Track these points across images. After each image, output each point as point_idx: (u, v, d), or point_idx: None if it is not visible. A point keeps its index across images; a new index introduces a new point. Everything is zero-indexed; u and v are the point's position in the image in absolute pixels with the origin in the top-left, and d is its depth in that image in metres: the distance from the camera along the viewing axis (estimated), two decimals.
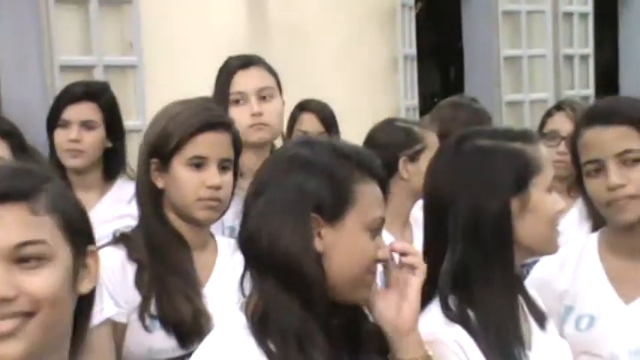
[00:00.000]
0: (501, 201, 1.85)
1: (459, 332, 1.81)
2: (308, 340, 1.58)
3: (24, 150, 2.07)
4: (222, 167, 2.21)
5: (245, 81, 2.87)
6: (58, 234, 1.35)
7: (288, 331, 1.59)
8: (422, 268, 1.72)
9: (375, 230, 1.67)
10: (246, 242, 1.66)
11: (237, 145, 2.29)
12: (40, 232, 1.33)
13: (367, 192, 1.67)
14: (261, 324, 1.60)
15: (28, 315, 1.30)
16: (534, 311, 1.96)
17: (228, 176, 2.24)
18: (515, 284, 1.90)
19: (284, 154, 1.75)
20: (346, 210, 1.64)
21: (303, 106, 4.06)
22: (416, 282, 1.71)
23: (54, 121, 3.18)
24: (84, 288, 1.39)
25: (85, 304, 1.40)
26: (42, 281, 1.31)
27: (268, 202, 1.64)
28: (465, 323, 1.82)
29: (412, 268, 1.72)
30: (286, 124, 3.92)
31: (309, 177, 1.64)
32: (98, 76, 4.38)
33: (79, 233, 1.38)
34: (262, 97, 2.86)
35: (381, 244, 1.69)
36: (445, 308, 1.83)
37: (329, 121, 4.03)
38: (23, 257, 1.31)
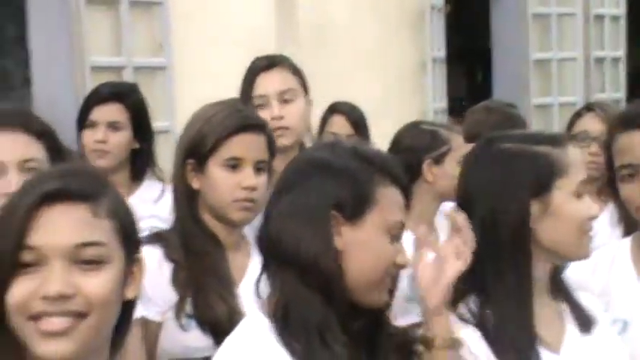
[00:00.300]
0: (520, 203, 1.86)
1: (468, 333, 1.82)
2: (330, 335, 1.60)
3: (59, 151, 2.07)
4: (257, 169, 2.23)
5: (266, 84, 2.86)
6: (114, 238, 1.36)
7: (310, 326, 1.61)
8: (466, 258, 1.73)
9: (394, 235, 1.69)
10: (268, 242, 1.70)
11: (272, 147, 2.30)
12: (100, 235, 1.35)
13: (387, 195, 1.69)
14: (283, 321, 1.63)
15: (81, 316, 1.31)
16: (578, 315, 1.95)
17: (263, 178, 2.25)
18: (530, 286, 1.90)
19: (304, 157, 1.80)
20: (366, 210, 1.66)
21: (334, 108, 4.07)
22: (456, 267, 1.72)
23: (82, 121, 3.20)
24: (130, 294, 1.40)
25: (127, 308, 1.41)
26: (98, 283, 1.33)
27: (289, 204, 1.68)
28: (482, 324, 1.84)
29: (459, 253, 1.73)
30: (317, 126, 3.92)
31: (329, 178, 1.67)
32: (128, 76, 4.40)
33: (131, 240, 1.40)
34: (284, 100, 2.85)
35: (401, 249, 1.70)
36: (462, 308, 1.85)
37: (359, 123, 4.03)
38: (82, 258, 1.33)
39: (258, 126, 2.26)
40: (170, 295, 2.19)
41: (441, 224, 2.99)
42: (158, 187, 3.16)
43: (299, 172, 1.71)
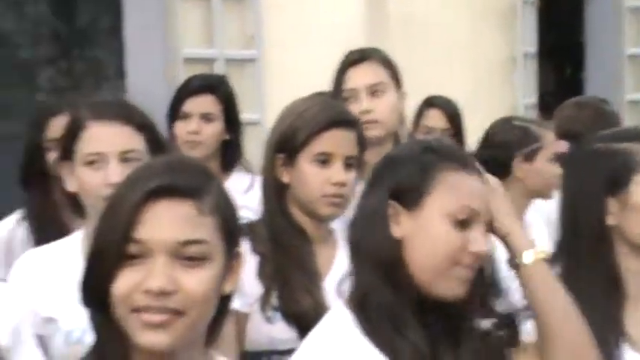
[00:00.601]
0: (596, 201, 1.88)
1: None
2: (404, 325, 1.61)
3: (159, 143, 2.10)
4: (347, 164, 2.24)
5: (356, 77, 2.88)
6: (217, 235, 1.38)
7: (385, 316, 1.62)
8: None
9: (462, 220, 1.66)
10: (347, 235, 1.74)
11: (362, 142, 2.31)
12: (204, 232, 1.36)
13: (450, 180, 1.67)
14: (362, 312, 1.64)
15: (179, 313, 1.33)
16: None
17: (353, 173, 2.26)
18: (619, 282, 1.90)
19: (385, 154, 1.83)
20: (424, 197, 1.66)
21: (430, 102, 4.06)
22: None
23: (174, 113, 3.25)
24: (227, 289, 1.42)
25: (224, 301, 1.43)
26: (198, 281, 1.34)
27: (361, 199, 1.74)
28: None
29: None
30: (412, 119, 3.91)
31: (389, 169, 1.71)
32: (219, 68, 4.46)
33: (232, 236, 1.41)
34: (373, 93, 2.86)
35: (477, 237, 1.66)
36: None
37: (454, 117, 4.01)
38: (185, 255, 1.35)
39: (349, 121, 2.27)
40: (256, 288, 2.21)
41: (531, 221, 2.97)
42: (247, 179, 3.20)
43: (373, 169, 1.76)
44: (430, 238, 1.65)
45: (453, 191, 1.66)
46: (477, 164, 1.75)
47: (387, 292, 1.64)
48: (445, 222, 1.65)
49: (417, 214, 1.66)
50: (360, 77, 2.87)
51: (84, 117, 2.07)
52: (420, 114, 4.03)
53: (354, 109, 2.81)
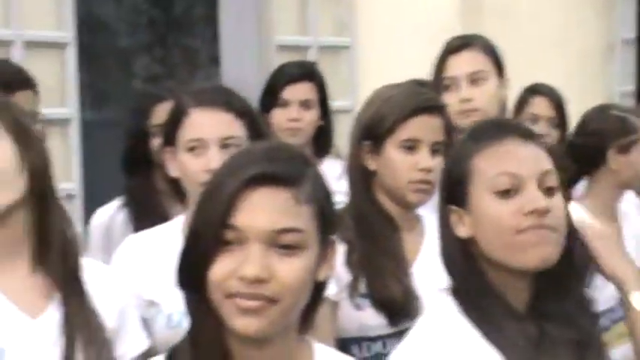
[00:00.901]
0: None
1: None
2: (494, 305, 1.62)
3: (259, 130, 2.13)
4: (434, 150, 2.23)
5: (456, 65, 2.86)
6: (312, 224, 1.38)
7: (476, 296, 1.63)
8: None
9: (506, 190, 1.63)
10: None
11: (449, 128, 2.30)
12: (300, 221, 1.37)
13: (483, 161, 1.66)
14: (458, 294, 1.65)
15: (272, 301, 1.35)
16: None
17: (439, 159, 2.25)
18: None
19: None
20: (469, 190, 1.65)
21: (535, 90, 4.00)
22: None
23: (271, 100, 3.28)
24: (322, 276, 1.42)
25: (318, 288, 1.44)
26: (292, 270, 1.35)
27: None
28: None
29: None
30: (514, 106, 3.88)
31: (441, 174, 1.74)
32: (312, 56, 4.48)
33: (328, 223, 1.42)
34: (474, 82, 2.85)
35: (529, 198, 1.63)
36: None
37: (560, 105, 3.96)
38: (281, 243, 1.36)
39: (435, 107, 2.26)
40: (343, 275, 2.22)
41: (627, 210, 2.92)
42: (338, 165, 3.22)
43: None
44: (491, 222, 1.63)
45: (489, 170, 1.65)
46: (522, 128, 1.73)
47: (472, 275, 1.65)
48: (495, 200, 1.64)
49: (472, 208, 1.66)
50: (461, 65, 2.86)
51: (186, 103, 2.10)
52: (523, 102, 3.99)
53: (454, 97, 2.81)
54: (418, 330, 1.67)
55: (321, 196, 1.41)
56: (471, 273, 1.66)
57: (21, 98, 2.51)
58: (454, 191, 1.68)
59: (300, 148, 3.15)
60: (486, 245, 1.64)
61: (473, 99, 2.82)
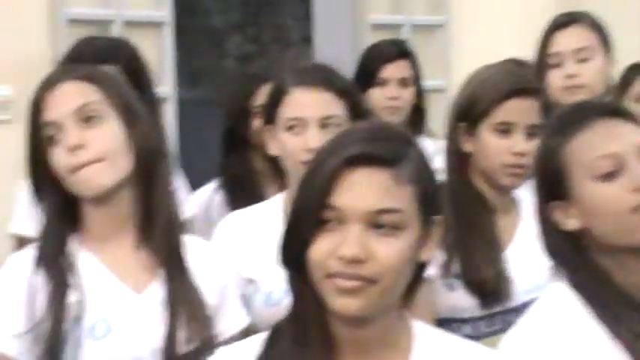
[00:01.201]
0: None
1: None
2: (604, 291, 1.60)
3: (360, 110, 2.13)
4: (529, 133, 2.20)
5: (561, 42, 2.83)
6: (413, 204, 1.37)
7: (596, 295, 1.61)
8: None
9: (608, 173, 1.61)
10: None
11: (547, 110, 2.26)
12: (399, 202, 1.36)
13: (577, 149, 1.63)
14: (571, 283, 1.63)
15: (371, 281, 1.35)
16: None
17: (535, 142, 2.22)
18: None
19: None
20: (568, 182, 1.63)
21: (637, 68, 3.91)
22: None
23: (367, 80, 3.28)
24: (424, 256, 1.42)
25: (420, 268, 1.43)
26: (391, 250, 1.35)
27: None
28: None
29: None
30: (617, 85, 3.80)
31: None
32: (405, 35, 4.46)
33: (430, 204, 1.40)
34: (579, 59, 2.80)
35: (634, 174, 1.60)
36: None
37: None
38: (380, 223, 1.35)
39: (531, 90, 2.23)
40: (437, 255, 2.21)
41: None
42: (431, 145, 3.21)
43: None
44: (602, 210, 1.61)
45: (583, 157, 1.62)
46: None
47: (580, 264, 1.63)
48: (599, 184, 1.61)
49: (576, 200, 1.63)
50: (567, 41, 2.83)
51: (287, 82, 2.11)
52: (626, 81, 3.89)
53: (559, 73, 2.77)
54: (534, 315, 1.66)
55: (424, 177, 1.40)
56: (585, 266, 1.64)
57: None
58: (552, 187, 1.65)
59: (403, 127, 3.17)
60: (601, 232, 1.62)
61: (579, 75, 2.78)
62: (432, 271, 2.11)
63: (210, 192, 2.96)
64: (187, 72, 7.11)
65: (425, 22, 4.62)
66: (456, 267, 2.20)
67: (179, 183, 2.71)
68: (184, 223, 2.64)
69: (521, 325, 1.66)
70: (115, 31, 3.62)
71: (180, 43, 4.01)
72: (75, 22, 3.58)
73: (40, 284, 1.72)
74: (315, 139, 2.03)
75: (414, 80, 3.31)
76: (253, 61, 8.20)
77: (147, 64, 2.67)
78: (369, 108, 2.34)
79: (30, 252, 1.77)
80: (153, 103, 2.61)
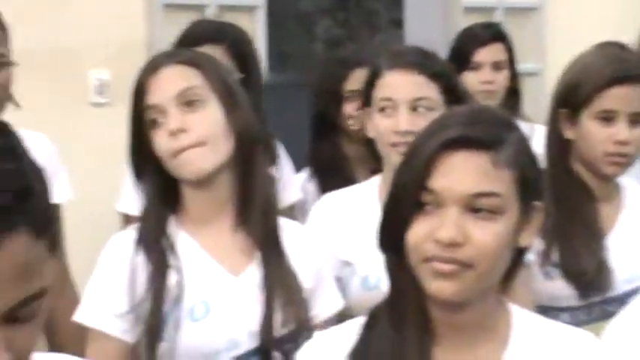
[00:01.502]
0: None
1: None
2: None
3: (457, 94, 2.11)
4: (632, 121, 2.15)
5: None
6: (512, 189, 1.36)
7: None
8: None
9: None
10: None
11: None
12: (498, 185, 1.35)
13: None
14: None
15: (468, 265, 1.34)
16: None
17: (638, 130, 2.17)
18: None
19: None
20: None
21: None
22: None
23: (461, 63, 3.25)
24: (524, 242, 1.40)
25: (519, 254, 1.42)
26: (488, 234, 1.34)
27: None
28: None
29: None
30: None
31: None
32: (498, 17, 4.40)
33: (531, 189, 1.39)
34: None
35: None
36: None
37: None
38: (477, 207, 1.34)
39: (635, 77, 2.17)
40: (536, 242, 2.18)
41: None
42: (526, 128, 3.16)
43: None
44: None
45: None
46: None
47: None
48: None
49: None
50: None
51: (382, 64, 2.11)
52: None
53: None
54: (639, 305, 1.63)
55: (524, 161, 1.38)
56: None
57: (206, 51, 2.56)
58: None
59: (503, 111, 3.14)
60: None
61: None
62: (531, 257, 2.09)
63: (303, 181, 2.96)
64: (277, 56, 7.15)
65: (519, 4, 4.56)
66: (555, 255, 2.17)
67: (285, 167, 2.73)
68: (292, 207, 2.68)
69: (626, 314, 1.63)
70: (209, 16, 3.66)
71: (270, 26, 4.03)
72: (170, 6, 3.63)
73: (141, 265, 1.75)
74: (404, 120, 2.03)
75: (509, 64, 3.27)
76: (342, 44, 8.19)
77: (254, 48, 2.70)
78: (467, 91, 2.31)
79: (131, 232, 1.80)
80: (258, 86, 2.63)
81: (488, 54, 3.21)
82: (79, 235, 2.65)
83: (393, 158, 2.02)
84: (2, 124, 0.93)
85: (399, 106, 2.06)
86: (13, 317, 0.89)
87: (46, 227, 0.92)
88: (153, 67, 1.78)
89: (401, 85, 2.07)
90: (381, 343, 1.39)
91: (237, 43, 2.62)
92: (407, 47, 2.21)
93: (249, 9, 3.90)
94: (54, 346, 2.28)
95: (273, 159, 2.59)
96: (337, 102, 2.93)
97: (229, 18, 3.58)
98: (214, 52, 2.49)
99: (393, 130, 2.05)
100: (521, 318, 1.44)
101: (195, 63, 1.79)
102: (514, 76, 3.31)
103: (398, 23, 6.03)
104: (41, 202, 0.91)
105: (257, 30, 3.91)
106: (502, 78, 3.23)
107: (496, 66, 3.22)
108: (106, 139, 3.29)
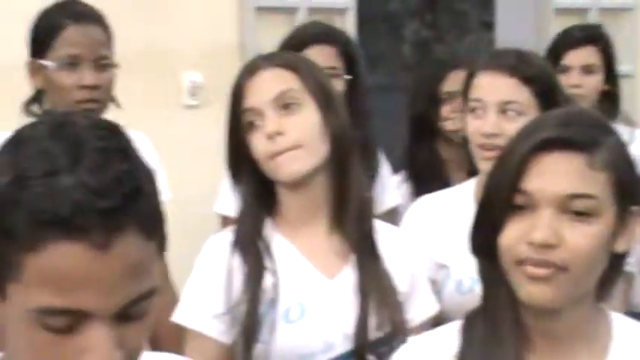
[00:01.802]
0: None
1: None
2: None
3: (554, 97, 2.08)
4: None
5: None
6: (608, 191, 1.34)
7: None
8: None
9: None
10: None
11: None
12: (593, 187, 1.33)
13: None
14: None
15: (562, 269, 1.32)
16: None
17: None
18: None
19: None
20: None
21: None
22: None
23: (553, 66, 3.20)
24: (620, 247, 1.37)
25: (616, 260, 1.39)
26: (581, 237, 1.32)
27: None
28: None
29: None
30: None
31: None
32: (592, 18, 4.33)
33: (628, 193, 1.37)
34: None
35: None
36: None
37: None
38: (572, 209, 1.33)
39: None
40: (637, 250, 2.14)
41: None
42: (626, 131, 3.10)
43: None
44: None
45: None
46: None
47: None
48: None
49: None
50: None
51: (477, 65, 2.11)
52: None
53: None
54: None
55: (620, 165, 1.35)
56: None
57: (315, 52, 2.57)
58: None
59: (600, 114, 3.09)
60: None
61: None
62: (634, 268, 2.05)
63: (398, 184, 2.95)
64: (365, 58, 7.14)
65: (613, 5, 4.48)
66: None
67: (385, 170, 2.73)
68: (392, 211, 2.67)
69: None
70: (300, 18, 3.67)
71: (358, 28, 4.02)
72: (262, 9, 3.65)
73: (238, 266, 1.76)
74: (491, 123, 2.02)
75: (605, 67, 3.20)
76: (430, 46, 8.15)
77: (360, 51, 2.71)
78: (566, 95, 2.28)
79: (228, 234, 1.82)
80: (363, 88, 2.64)
81: (576, 57, 3.15)
82: (175, 236, 2.67)
83: (478, 160, 2.02)
84: (114, 125, 0.95)
85: (487, 108, 2.05)
86: (125, 316, 0.91)
87: (156, 227, 0.93)
88: (251, 69, 1.80)
89: (491, 87, 2.07)
90: (475, 350, 1.36)
91: (347, 45, 2.65)
92: (504, 49, 2.20)
93: (340, 11, 3.90)
94: (152, 345, 2.31)
95: (374, 162, 2.60)
96: (434, 104, 2.92)
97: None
98: (323, 52, 2.52)
99: (479, 132, 2.04)
100: (622, 327, 1.41)
101: (293, 66, 1.79)
102: (612, 79, 3.23)
103: (488, 25, 5.97)
104: (150, 203, 0.92)
105: (348, 32, 3.91)
106: (592, 82, 3.15)
107: (585, 69, 3.14)
108: (198, 140, 3.33)
